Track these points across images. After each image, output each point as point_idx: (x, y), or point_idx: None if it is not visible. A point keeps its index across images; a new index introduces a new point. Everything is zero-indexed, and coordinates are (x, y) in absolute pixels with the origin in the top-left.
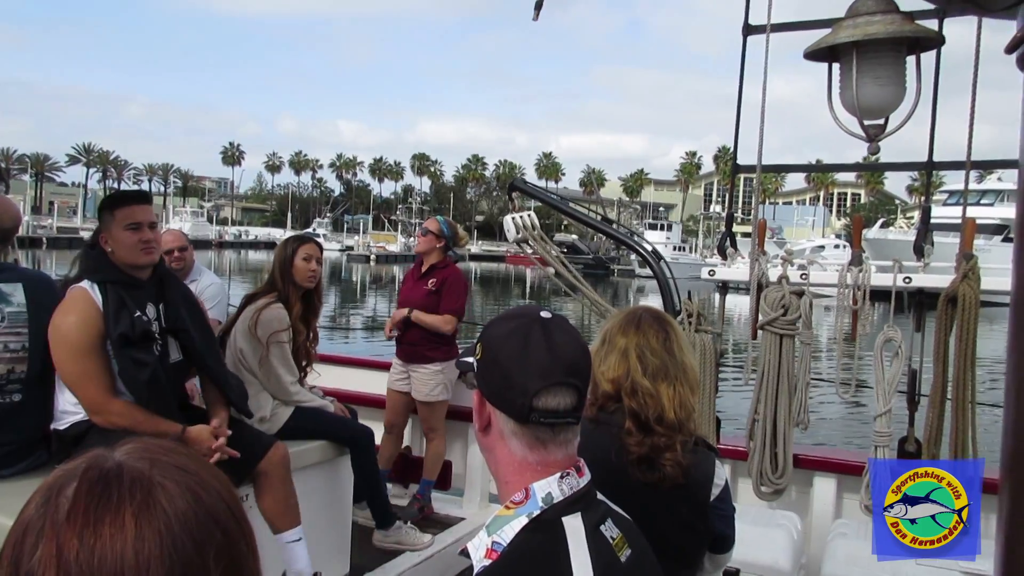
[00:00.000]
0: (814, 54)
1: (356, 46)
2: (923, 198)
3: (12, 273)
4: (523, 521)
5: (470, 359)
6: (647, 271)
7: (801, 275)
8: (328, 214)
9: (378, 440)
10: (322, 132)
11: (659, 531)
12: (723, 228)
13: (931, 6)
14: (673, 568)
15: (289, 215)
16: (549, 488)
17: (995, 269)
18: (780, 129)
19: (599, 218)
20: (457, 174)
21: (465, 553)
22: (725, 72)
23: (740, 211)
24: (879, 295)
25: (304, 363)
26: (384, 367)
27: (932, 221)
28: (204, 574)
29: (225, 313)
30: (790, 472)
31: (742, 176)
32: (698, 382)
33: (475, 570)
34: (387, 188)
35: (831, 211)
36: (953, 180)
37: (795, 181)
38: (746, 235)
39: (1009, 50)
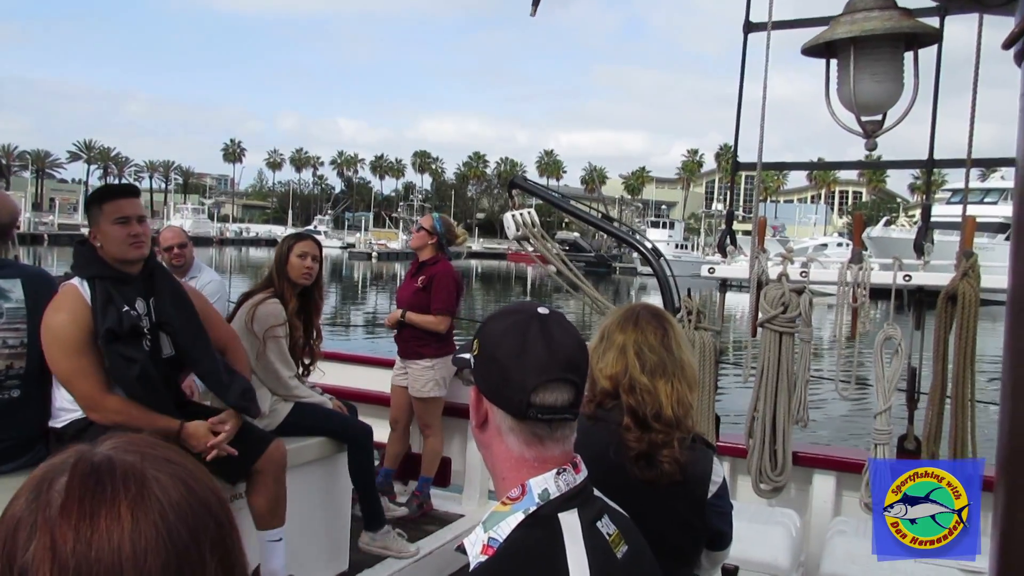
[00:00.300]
0: (811, 50)
1: (357, 44)
2: (924, 196)
3: (11, 269)
4: (519, 517)
5: (467, 355)
6: (649, 269)
7: (801, 273)
8: (329, 211)
9: (387, 438)
10: (323, 130)
11: (656, 528)
12: (724, 226)
13: (932, 3)
14: (670, 565)
15: (290, 212)
16: (545, 484)
17: (998, 267)
18: (781, 127)
19: (599, 216)
20: (458, 171)
21: (462, 549)
22: (725, 70)
23: (741, 209)
24: (881, 293)
25: (308, 361)
26: (384, 363)
27: (934, 219)
28: (200, 564)
29: (225, 310)
30: (789, 470)
31: (743, 174)
32: (696, 379)
33: (471, 566)
34: (388, 185)
35: (832, 209)
36: (956, 179)
37: (797, 179)
38: (747, 233)
39: (1007, 45)
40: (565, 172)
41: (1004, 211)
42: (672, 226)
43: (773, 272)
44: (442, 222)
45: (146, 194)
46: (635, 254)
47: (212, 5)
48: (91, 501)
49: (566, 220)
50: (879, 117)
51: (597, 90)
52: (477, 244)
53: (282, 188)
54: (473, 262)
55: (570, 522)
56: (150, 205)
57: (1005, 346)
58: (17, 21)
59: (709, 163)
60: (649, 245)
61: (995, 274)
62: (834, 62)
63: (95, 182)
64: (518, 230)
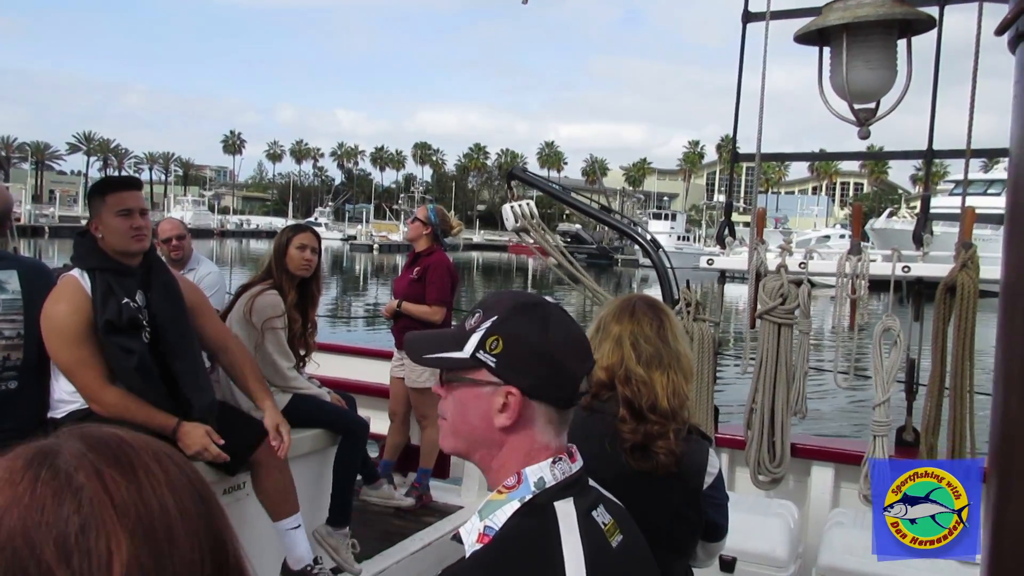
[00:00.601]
0: (804, 37)
1: (354, 35)
2: (924, 187)
3: (7, 260)
4: (515, 505)
5: (454, 355)
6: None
7: (800, 264)
8: (330, 203)
9: (387, 430)
10: (321, 121)
11: (652, 519)
12: (723, 218)
13: None
14: (666, 556)
15: (290, 204)
16: (541, 473)
17: (999, 259)
18: (781, 118)
19: (598, 207)
20: (459, 163)
21: (458, 538)
22: (725, 61)
23: (743, 201)
24: (883, 285)
25: (303, 352)
26: (383, 355)
27: (937, 211)
28: (215, 517)
29: (223, 301)
30: (787, 461)
31: (744, 165)
32: (692, 370)
33: (467, 554)
34: (388, 177)
35: (834, 201)
36: (958, 170)
37: (798, 171)
38: (748, 224)
39: (1000, 31)
40: (566, 164)
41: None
42: (674, 218)
43: (772, 263)
44: (437, 213)
45: (146, 186)
46: (637, 246)
47: None
48: (123, 456)
49: (567, 212)
50: (872, 105)
51: (596, 81)
52: (478, 236)
53: (282, 180)
54: (474, 254)
55: (566, 511)
56: (150, 197)
57: (998, 337)
58: (14, 12)
59: (710, 154)
60: (648, 236)
61: (996, 265)
62: (827, 50)
63: (95, 174)
64: (517, 222)
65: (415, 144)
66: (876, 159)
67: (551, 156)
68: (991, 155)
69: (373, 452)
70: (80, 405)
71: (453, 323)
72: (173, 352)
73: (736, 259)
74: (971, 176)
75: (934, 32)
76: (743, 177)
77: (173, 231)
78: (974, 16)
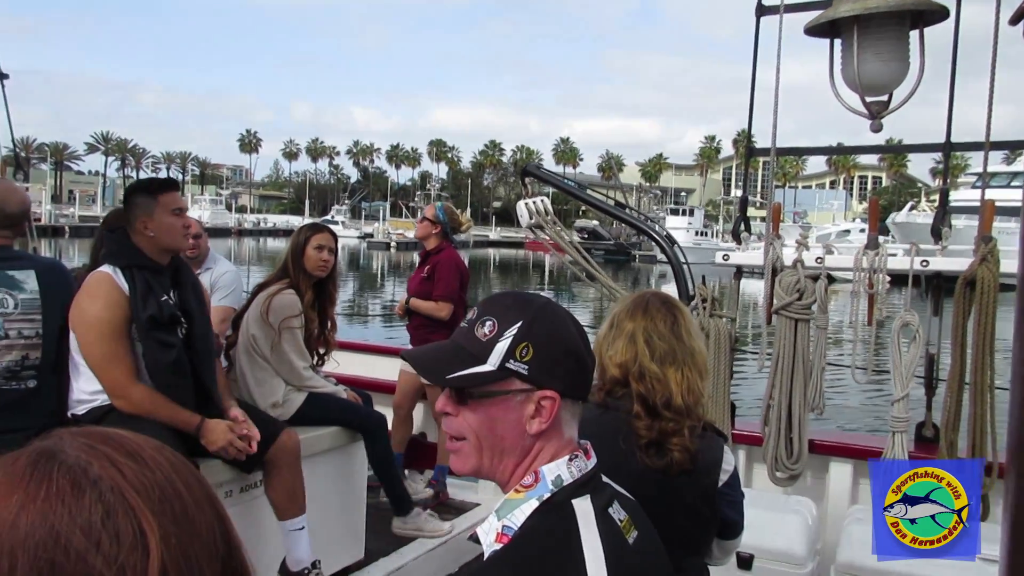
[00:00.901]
0: (815, 29)
1: (366, 32)
2: (942, 181)
3: (25, 260)
4: (534, 504)
5: (481, 369)
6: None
7: (817, 259)
8: (346, 201)
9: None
10: (336, 119)
11: (666, 516)
12: (739, 213)
13: None
14: (681, 554)
15: (307, 202)
16: (558, 471)
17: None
18: (796, 112)
19: (613, 203)
20: (474, 160)
21: (475, 538)
22: (739, 55)
23: (759, 195)
24: (903, 279)
25: (322, 351)
26: (399, 353)
27: (958, 204)
28: (221, 503)
29: (240, 301)
30: (805, 458)
31: (760, 160)
32: (707, 367)
33: (486, 555)
34: (404, 175)
35: (852, 195)
36: (979, 162)
37: (816, 165)
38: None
39: (1014, 21)
40: (581, 160)
41: None
42: (692, 213)
43: (789, 258)
44: (445, 210)
45: None
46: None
47: None
48: (127, 447)
49: (583, 208)
50: (885, 98)
51: (610, 76)
52: (494, 233)
53: (298, 178)
54: (491, 251)
55: (584, 508)
56: None
57: (1016, 331)
58: (31, 14)
59: (726, 149)
60: (663, 232)
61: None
62: (839, 42)
63: (112, 174)
64: (531, 218)
65: (430, 141)
66: (894, 152)
67: (566, 152)
68: (1011, 147)
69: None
70: (101, 402)
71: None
72: (201, 349)
73: (752, 254)
74: (994, 168)
75: (947, 23)
76: (759, 172)
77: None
78: (988, 6)
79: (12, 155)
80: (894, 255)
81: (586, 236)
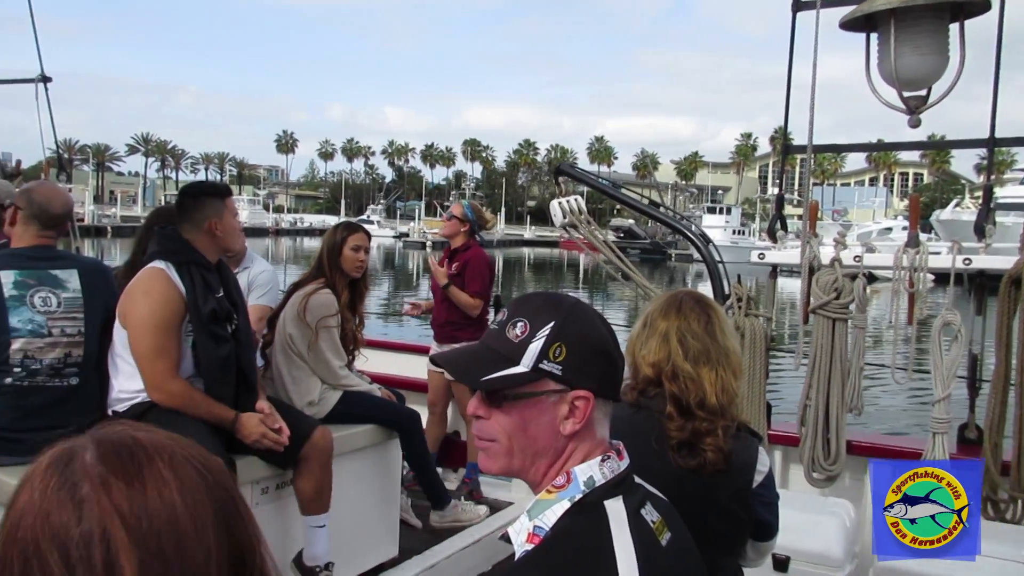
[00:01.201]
0: (850, 24)
1: (399, 32)
2: (986, 177)
3: (68, 260)
4: (565, 505)
5: (514, 370)
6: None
7: (855, 258)
8: (382, 201)
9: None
10: (370, 119)
11: (700, 517)
12: (774, 211)
13: None
14: (714, 555)
15: (342, 202)
16: (591, 471)
17: None
18: (834, 108)
19: (646, 202)
20: (509, 159)
21: (506, 538)
22: (774, 51)
23: (796, 193)
24: (948, 278)
25: (352, 347)
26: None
27: (1003, 200)
28: (239, 518)
29: (276, 299)
30: (843, 459)
31: (798, 157)
32: (741, 366)
33: (517, 555)
34: (438, 174)
35: (892, 192)
36: None
37: (855, 161)
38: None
39: None
40: (616, 158)
41: None
42: (729, 212)
43: (826, 257)
44: (472, 209)
45: None
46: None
47: None
48: (131, 465)
49: (618, 207)
50: (923, 92)
51: (643, 74)
52: (529, 232)
53: (334, 178)
54: (525, 250)
55: (616, 509)
56: None
57: None
58: (73, 19)
59: (763, 147)
60: (697, 231)
61: None
62: (875, 36)
63: (152, 175)
64: (565, 217)
65: (465, 141)
66: (935, 149)
67: (601, 151)
68: None
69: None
70: (142, 399)
71: (489, 317)
72: (245, 343)
73: (788, 253)
74: None
75: (987, 16)
76: (797, 169)
77: None
78: None
79: (56, 157)
80: (937, 253)
81: (622, 235)
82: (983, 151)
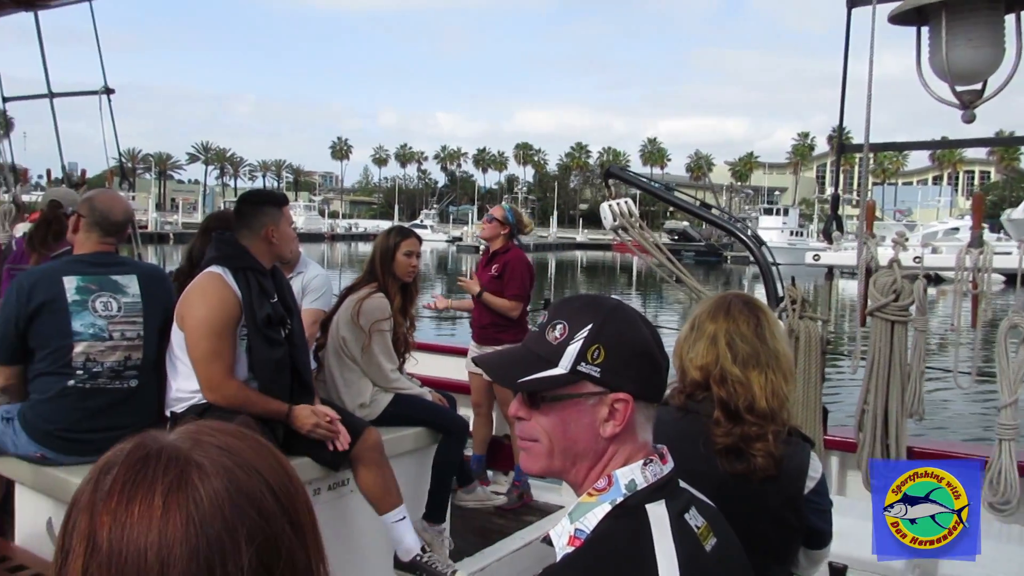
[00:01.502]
0: (900, 17)
1: (450, 37)
2: None
3: (128, 266)
4: (606, 508)
5: (552, 372)
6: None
7: (915, 259)
8: (434, 205)
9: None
10: (422, 124)
11: (749, 523)
12: (830, 211)
13: None
14: (764, 562)
15: (396, 207)
16: (632, 475)
17: None
18: (895, 105)
19: (698, 204)
20: (560, 163)
21: (548, 541)
22: (829, 49)
23: (855, 193)
24: (1016, 279)
25: (403, 350)
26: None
27: None
28: (236, 554)
29: (329, 303)
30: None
31: (856, 156)
32: (792, 370)
33: (558, 557)
34: (490, 178)
35: (957, 190)
36: None
37: (918, 160)
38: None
39: None
40: (669, 160)
41: None
42: (786, 213)
43: (885, 258)
44: (513, 213)
45: None
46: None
47: (312, 4)
48: (132, 487)
49: (671, 209)
50: (978, 86)
51: (695, 74)
52: (581, 235)
53: (387, 184)
54: (578, 253)
55: (658, 513)
56: None
57: None
58: (134, 33)
59: (820, 146)
60: (750, 233)
61: None
62: (926, 30)
63: (211, 182)
64: (615, 220)
65: (516, 145)
66: (1002, 145)
67: (654, 153)
68: None
69: (467, 450)
70: (199, 399)
71: (528, 319)
72: (300, 345)
73: (844, 255)
74: None
75: None
76: (855, 169)
77: None
78: None
79: (119, 166)
80: (1007, 253)
81: (676, 238)
82: None
